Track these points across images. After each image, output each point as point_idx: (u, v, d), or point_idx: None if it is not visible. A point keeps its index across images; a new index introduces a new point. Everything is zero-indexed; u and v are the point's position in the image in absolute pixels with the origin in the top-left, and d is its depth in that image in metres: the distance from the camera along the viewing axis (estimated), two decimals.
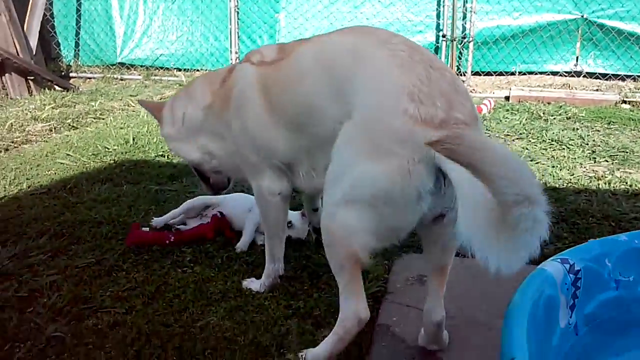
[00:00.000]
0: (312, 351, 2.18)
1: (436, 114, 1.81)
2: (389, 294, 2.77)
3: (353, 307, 2.06)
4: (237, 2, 8.56)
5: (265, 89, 2.43)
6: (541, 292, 1.79)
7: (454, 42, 7.81)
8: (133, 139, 5.47)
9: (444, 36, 7.90)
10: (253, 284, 2.82)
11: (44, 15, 8.60)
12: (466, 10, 7.90)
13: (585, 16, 7.66)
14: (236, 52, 8.66)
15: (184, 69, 9.05)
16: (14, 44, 7.62)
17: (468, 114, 1.87)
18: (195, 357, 2.30)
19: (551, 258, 1.97)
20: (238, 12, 8.61)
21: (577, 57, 7.87)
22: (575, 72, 7.87)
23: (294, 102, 2.33)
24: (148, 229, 3.43)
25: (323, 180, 2.31)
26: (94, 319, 2.58)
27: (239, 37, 8.68)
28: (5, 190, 4.24)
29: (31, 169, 4.75)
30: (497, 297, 2.66)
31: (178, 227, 3.47)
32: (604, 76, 7.68)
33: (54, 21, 9.22)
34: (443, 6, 7.93)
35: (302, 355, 2.17)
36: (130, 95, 7.71)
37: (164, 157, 5.01)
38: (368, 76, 2.00)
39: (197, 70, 8.96)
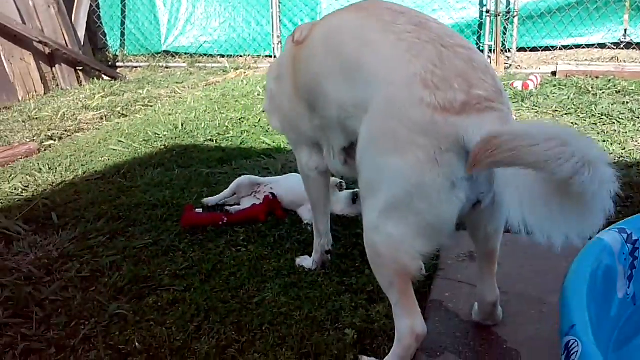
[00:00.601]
0: None
1: (455, 98, 1.70)
2: (440, 270, 2.78)
3: (408, 324, 1.96)
4: None
5: (293, 68, 2.46)
6: (599, 262, 1.78)
7: (498, 18, 7.66)
8: (182, 125, 5.58)
9: (487, 12, 7.75)
10: (305, 261, 2.87)
11: (90, 6, 8.78)
12: None
13: None
14: (278, 37, 8.69)
15: (228, 55, 9.15)
16: (63, 35, 7.83)
17: (490, 89, 1.75)
18: (253, 332, 2.36)
19: (608, 228, 1.95)
20: None
21: (625, 29, 7.65)
22: (624, 44, 7.65)
23: (306, 83, 2.35)
24: (202, 210, 3.51)
25: (339, 163, 2.38)
26: (154, 297, 2.67)
27: (280, 21, 8.71)
28: (62, 177, 4.39)
29: (85, 155, 4.90)
30: (549, 273, 2.67)
31: (231, 207, 3.53)
32: None
33: (99, 12, 9.41)
34: None
35: None
36: (176, 83, 7.84)
37: (213, 141, 5.10)
38: (376, 67, 1.90)
39: (240, 56, 9.07)
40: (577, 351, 1.35)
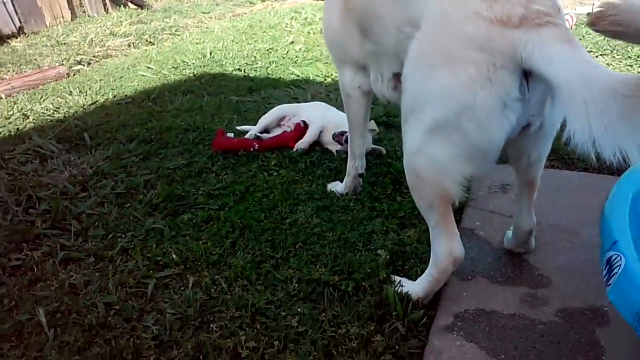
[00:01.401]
0: (409, 286, 2.08)
1: (513, 11, 1.60)
2: (471, 200, 2.79)
3: (446, 246, 1.95)
4: None
5: None
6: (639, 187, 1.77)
7: None
8: (210, 53, 5.55)
9: None
10: (337, 187, 2.89)
11: None
12: None
13: None
14: None
15: None
16: None
17: (550, 6, 1.63)
18: (287, 249, 2.41)
19: None
20: None
21: None
22: None
23: (360, 6, 2.30)
24: (233, 135, 3.53)
25: (388, 88, 2.32)
26: (189, 214, 2.72)
27: None
28: (92, 99, 4.42)
29: (114, 80, 4.91)
30: (582, 206, 2.67)
31: (262, 134, 3.55)
32: None
33: None
34: None
35: (398, 281, 2.12)
36: (203, 13, 7.76)
37: (241, 71, 5.08)
38: None
39: None
40: (620, 264, 1.36)
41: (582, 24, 6.41)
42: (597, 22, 1.38)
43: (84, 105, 4.30)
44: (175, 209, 2.78)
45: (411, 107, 1.87)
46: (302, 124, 3.44)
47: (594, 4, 7.02)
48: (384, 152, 3.26)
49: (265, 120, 3.61)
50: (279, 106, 3.70)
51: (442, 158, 1.79)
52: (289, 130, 3.49)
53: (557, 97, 1.55)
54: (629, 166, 1.93)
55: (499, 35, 1.60)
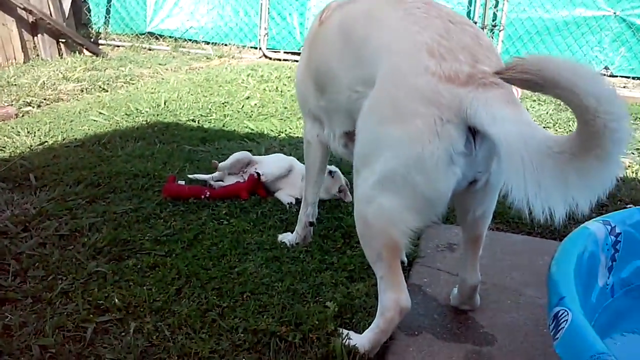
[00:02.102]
0: (356, 338, 2.07)
1: (461, 69, 1.70)
2: (420, 258, 2.83)
3: (393, 297, 1.95)
4: None
5: (310, 45, 2.54)
6: (585, 247, 1.84)
7: (484, 30, 7.79)
8: (164, 103, 5.54)
9: (474, 23, 7.87)
10: (287, 237, 2.89)
11: None
12: None
13: (617, 13, 7.63)
14: (265, 28, 8.69)
15: (212, 43, 9.09)
16: (48, 5, 7.69)
17: (495, 66, 1.71)
18: (234, 298, 2.36)
19: (594, 219, 2.02)
20: None
21: (605, 54, 7.86)
22: (603, 68, 7.86)
23: (318, 64, 2.42)
24: (184, 182, 3.50)
25: (339, 145, 2.41)
26: (134, 260, 2.65)
27: (269, 13, 8.70)
28: (40, 141, 4.32)
29: (65, 123, 4.82)
30: (526, 267, 2.75)
31: (215, 182, 3.53)
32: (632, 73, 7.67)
33: None
34: None
35: (346, 334, 2.10)
36: (159, 64, 7.76)
37: (195, 122, 5.07)
38: (384, 38, 1.94)
39: (225, 44, 9.02)
40: (566, 319, 1.39)
41: (527, 97, 6.71)
42: (505, 72, 1.48)
43: (31, 145, 4.20)
44: (120, 253, 2.71)
45: (363, 158, 1.93)
46: (255, 175, 3.44)
47: None
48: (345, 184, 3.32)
49: (228, 161, 3.60)
50: (243, 152, 3.71)
51: (391, 208, 1.84)
52: (242, 180, 3.48)
53: (498, 154, 1.63)
54: (571, 229, 2.01)
55: (446, 91, 1.69)
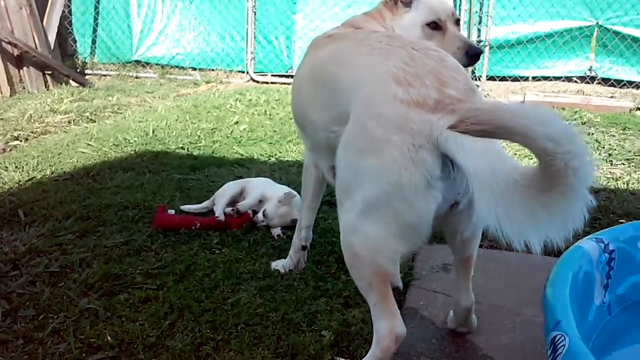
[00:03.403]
0: None
1: (429, 95, 1.72)
2: (415, 280, 2.81)
3: (388, 325, 1.93)
4: (255, 2, 8.63)
5: (292, 89, 2.63)
6: (579, 267, 1.83)
7: None
8: (152, 132, 5.52)
9: None
10: (281, 263, 2.87)
11: (63, 11, 8.66)
12: (482, 14, 7.95)
13: (600, 23, 7.72)
14: (252, 53, 8.72)
15: (200, 69, 9.11)
16: (33, 38, 7.69)
17: (462, 88, 1.77)
18: (229, 331, 2.33)
19: (586, 237, 2.01)
20: (255, 13, 8.68)
21: (590, 65, 7.94)
22: (589, 78, 7.93)
23: (295, 109, 2.55)
24: (174, 212, 3.47)
25: (330, 177, 2.41)
26: (125, 294, 2.62)
27: (255, 37, 8.74)
28: (28, 175, 4.29)
29: (53, 157, 4.79)
30: (522, 286, 2.72)
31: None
32: (618, 83, 7.74)
33: (71, 18, 9.27)
34: (460, 11, 7.97)
35: None
36: (147, 92, 7.76)
37: (184, 149, 5.06)
38: (352, 74, 1.99)
39: (212, 69, 9.05)
40: (564, 344, 1.37)
41: None
42: (460, 125, 1.52)
43: (19, 181, 4.17)
44: (112, 288, 2.67)
45: (344, 189, 1.93)
46: (250, 213, 3.40)
47: (525, 94, 7.43)
48: None
49: (223, 199, 3.53)
50: (229, 185, 3.69)
51: (375, 237, 1.83)
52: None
53: (470, 182, 1.62)
54: (567, 247, 2.00)
55: (416, 117, 1.70)
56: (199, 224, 3.31)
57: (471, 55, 2.52)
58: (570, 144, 1.36)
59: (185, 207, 3.60)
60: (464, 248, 2.16)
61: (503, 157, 1.62)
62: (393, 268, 1.89)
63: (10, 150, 5.15)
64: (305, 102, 2.37)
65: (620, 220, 3.48)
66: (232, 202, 3.51)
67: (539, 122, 1.38)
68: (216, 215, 3.36)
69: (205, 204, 3.59)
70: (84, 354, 2.19)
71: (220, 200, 3.48)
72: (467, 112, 1.50)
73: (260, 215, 3.36)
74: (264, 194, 3.49)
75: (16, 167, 4.49)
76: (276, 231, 3.30)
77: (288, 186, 3.75)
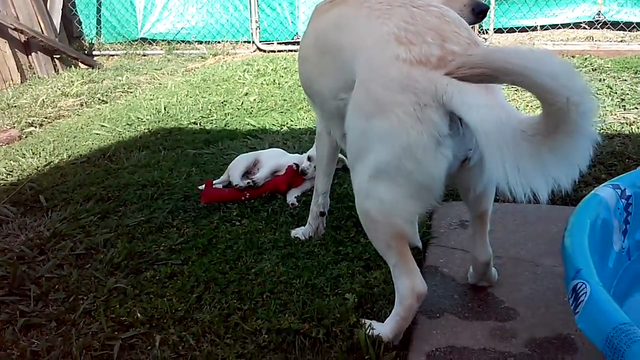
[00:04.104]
0: (378, 328, 2.08)
1: (431, 52, 1.72)
2: (433, 238, 2.83)
3: (409, 284, 1.96)
4: None
5: (298, 60, 2.62)
6: (597, 215, 1.83)
7: None
8: (164, 109, 5.55)
9: None
10: (300, 231, 2.91)
11: None
12: None
13: None
14: (256, 22, 8.65)
15: (205, 42, 9.08)
16: (39, 22, 7.70)
17: (464, 42, 1.76)
18: (254, 300, 2.38)
19: (603, 184, 2.01)
20: None
21: (599, 9, 7.79)
22: (598, 23, 7.80)
23: (303, 81, 2.55)
24: (221, 185, 3.53)
25: (343, 144, 2.41)
26: (151, 271, 2.68)
27: (258, 5, 8.66)
28: (46, 161, 4.35)
29: (68, 140, 4.85)
30: (540, 237, 2.74)
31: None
32: (628, 26, 7.59)
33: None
34: None
35: (368, 324, 2.11)
36: (155, 69, 7.76)
37: (197, 124, 5.08)
38: (354, 39, 1.99)
39: (218, 42, 9.02)
40: (585, 292, 1.39)
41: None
42: (457, 71, 1.51)
43: (38, 167, 4.23)
44: (137, 266, 2.73)
45: (355, 155, 1.96)
46: (294, 166, 3.45)
47: (534, 44, 7.32)
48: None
49: (237, 170, 3.55)
50: (241, 157, 3.70)
51: (389, 199, 1.86)
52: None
53: (477, 139, 1.63)
54: (581, 193, 2.00)
55: (420, 76, 1.71)
56: (248, 194, 3.35)
57: (478, 12, 2.50)
58: (570, 81, 1.36)
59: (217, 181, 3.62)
60: (478, 203, 2.17)
61: (508, 110, 1.61)
62: (410, 228, 1.92)
63: (26, 137, 5.21)
64: (312, 71, 2.37)
65: (637, 165, 3.47)
66: (246, 174, 3.55)
67: (537, 60, 1.38)
68: (234, 184, 3.40)
69: (222, 178, 3.61)
70: (116, 332, 2.26)
71: (234, 172, 3.51)
72: (462, 58, 1.50)
73: (306, 163, 3.42)
74: (278, 164, 3.51)
75: (33, 153, 4.55)
76: (291, 199, 3.32)
77: (301, 154, 3.77)
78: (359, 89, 1.90)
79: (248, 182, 3.40)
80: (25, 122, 5.53)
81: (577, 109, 1.38)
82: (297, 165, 3.45)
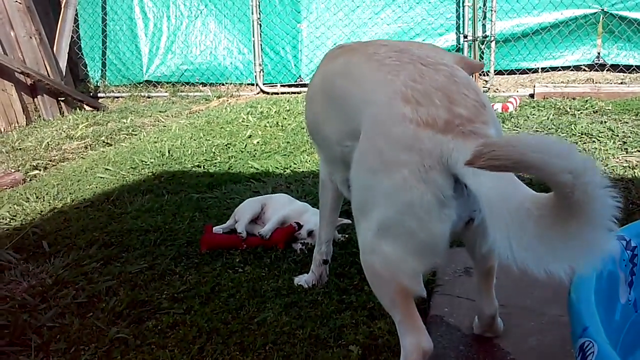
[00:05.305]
0: None
1: (438, 114, 1.71)
2: (438, 286, 2.81)
3: (414, 341, 1.92)
4: (259, 14, 8.67)
5: (305, 103, 2.66)
6: (603, 267, 1.81)
7: (476, 43, 7.83)
8: (168, 152, 5.59)
9: (465, 37, 7.93)
10: (304, 278, 2.90)
11: (71, 37, 8.78)
12: (486, 9, 7.93)
13: (605, 9, 7.67)
14: (260, 65, 8.76)
15: (210, 84, 9.19)
16: (45, 66, 7.82)
17: (472, 105, 1.76)
18: (257, 352, 2.36)
19: None
20: (260, 25, 8.72)
21: (598, 52, 7.88)
22: (598, 65, 7.88)
23: (309, 123, 2.57)
24: (222, 231, 3.51)
25: (345, 190, 2.43)
26: (153, 321, 2.66)
27: (262, 49, 8.79)
28: (50, 205, 4.36)
29: (72, 184, 4.87)
30: (546, 285, 2.66)
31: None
32: (628, 68, 7.67)
33: (80, 43, 9.41)
34: (463, 7, 7.98)
35: None
36: (159, 112, 7.84)
37: (200, 167, 5.11)
38: (361, 91, 1.99)
39: (222, 84, 9.11)
40: (593, 352, 1.37)
41: (526, 105, 6.71)
42: (476, 161, 1.45)
43: (41, 211, 4.24)
44: (140, 315, 2.71)
45: (359, 209, 1.95)
46: (295, 225, 3.38)
47: (534, 86, 7.40)
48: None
49: (244, 217, 3.52)
50: (248, 202, 3.68)
51: (393, 256, 1.84)
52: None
53: (482, 209, 1.59)
54: None
55: (426, 137, 1.70)
56: (245, 246, 3.32)
57: None
58: (591, 176, 1.31)
59: (216, 228, 3.57)
60: (484, 260, 2.16)
61: (515, 183, 1.59)
62: (414, 285, 1.89)
63: (31, 180, 5.24)
64: (318, 115, 2.39)
65: None
66: (254, 220, 3.54)
67: (558, 156, 1.33)
68: (239, 232, 3.39)
69: (228, 223, 3.58)
70: None
71: (242, 218, 3.50)
72: (482, 147, 1.44)
73: (304, 233, 3.36)
74: (286, 215, 3.47)
75: (37, 197, 4.57)
76: (298, 245, 3.31)
77: (305, 198, 3.78)
78: (364, 142, 1.90)
79: (255, 234, 3.38)
80: (30, 165, 5.57)
81: (596, 201, 1.33)
82: (299, 226, 3.39)
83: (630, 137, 5.15)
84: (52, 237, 3.71)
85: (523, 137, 1.45)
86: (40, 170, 5.52)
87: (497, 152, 1.41)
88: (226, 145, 5.76)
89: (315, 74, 2.55)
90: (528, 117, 6.14)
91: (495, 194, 1.54)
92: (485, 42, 7.95)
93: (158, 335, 2.54)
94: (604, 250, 1.39)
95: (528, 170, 1.42)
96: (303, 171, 4.77)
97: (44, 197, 4.56)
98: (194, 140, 6.03)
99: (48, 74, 7.83)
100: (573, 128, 5.50)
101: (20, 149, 6.22)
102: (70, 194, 4.61)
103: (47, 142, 6.33)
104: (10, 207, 4.35)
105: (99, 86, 9.52)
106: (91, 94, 9.19)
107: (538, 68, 8.07)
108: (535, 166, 1.36)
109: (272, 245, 3.32)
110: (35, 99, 7.76)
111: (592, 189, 1.31)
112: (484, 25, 7.98)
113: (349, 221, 3.24)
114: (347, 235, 3.31)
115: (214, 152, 5.52)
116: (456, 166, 1.64)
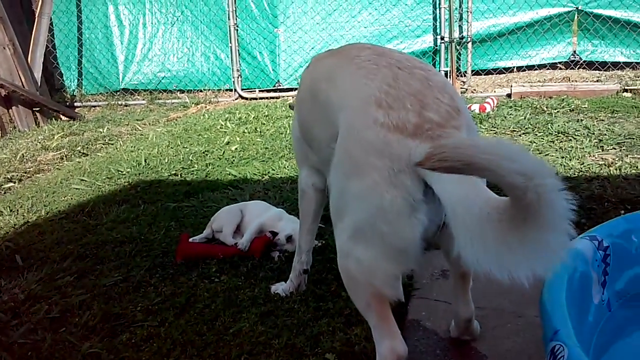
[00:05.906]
0: None
1: (408, 119, 1.72)
2: (415, 290, 2.80)
3: (389, 345, 1.92)
4: (236, 20, 8.64)
5: (296, 105, 2.65)
6: (574, 269, 1.82)
7: (452, 44, 7.85)
8: (145, 161, 5.53)
9: (442, 38, 7.96)
10: (281, 287, 2.86)
11: (46, 46, 8.68)
12: (462, 11, 7.97)
13: (580, 8, 7.73)
14: (238, 70, 8.72)
15: (187, 90, 9.13)
16: (19, 76, 7.72)
17: (444, 110, 1.76)
18: None
19: (580, 236, 2.00)
20: (237, 30, 8.68)
21: (574, 50, 7.95)
22: (574, 63, 7.94)
23: (301, 124, 2.55)
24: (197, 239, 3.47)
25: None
26: (127, 334, 2.61)
27: (239, 54, 8.75)
28: (24, 218, 4.30)
29: (47, 196, 4.81)
30: (521, 287, 2.70)
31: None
32: (603, 66, 7.74)
33: (56, 52, 9.31)
34: (439, 9, 8.01)
35: None
36: (137, 120, 7.77)
37: (177, 175, 5.06)
38: (339, 96, 2.01)
39: (200, 90, 9.05)
40: (563, 355, 1.36)
41: (503, 105, 6.74)
42: (426, 162, 1.45)
43: (15, 225, 4.17)
44: (113, 329, 2.67)
45: (336, 213, 1.94)
46: (270, 235, 3.33)
47: (511, 86, 7.43)
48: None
49: (229, 228, 3.49)
50: (227, 211, 3.64)
51: (367, 260, 1.83)
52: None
53: (450, 218, 1.58)
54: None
55: (395, 141, 1.70)
56: (221, 255, 3.27)
57: None
58: (543, 178, 1.30)
59: (192, 239, 3.52)
60: (459, 264, 2.11)
61: (478, 187, 1.57)
62: (389, 289, 1.88)
63: (5, 193, 5.16)
64: (308, 118, 2.40)
65: (616, 209, 3.47)
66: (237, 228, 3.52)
67: (508, 158, 1.32)
68: (228, 244, 3.37)
69: (205, 233, 3.55)
70: None
71: (226, 230, 3.47)
72: (433, 148, 1.46)
73: (282, 239, 3.31)
74: (262, 223, 3.44)
75: (11, 210, 4.50)
76: (275, 253, 3.28)
77: (283, 204, 3.75)
78: (339, 146, 1.90)
79: (233, 245, 3.34)
80: (4, 178, 5.49)
81: (551, 204, 1.32)
82: (274, 234, 3.35)
83: (605, 134, 5.18)
84: (25, 251, 3.65)
85: (474, 140, 1.45)
86: (14, 182, 5.44)
87: (446, 154, 1.41)
88: (204, 152, 5.71)
89: (303, 75, 2.56)
90: (505, 117, 6.16)
91: (457, 199, 1.54)
92: (462, 43, 7.97)
93: (132, 349, 2.50)
94: (560, 254, 1.38)
95: (480, 172, 1.42)
96: (281, 177, 4.74)
97: (17, 210, 4.49)
98: (171, 148, 5.98)
99: (23, 84, 7.73)
100: (550, 127, 5.53)
101: None
102: (44, 206, 4.54)
103: (22, 154, 6.25)
104: None
105: (75, 95, 9.41)
106: (67, 103, 9.09)
107: (514, 67, 8.11)
108: (485, 168, 1.35)
109: (250, 255, 3.29)
110: (10, 110, 7.65)
111: (544, 191, 1.31)
112: (460, 27, 8.02)
113: (322, 225, 3.21)
114: (323, 242, 3.28)
115: (192, 160, 5.48)
116: (423, 170, 1.63)
